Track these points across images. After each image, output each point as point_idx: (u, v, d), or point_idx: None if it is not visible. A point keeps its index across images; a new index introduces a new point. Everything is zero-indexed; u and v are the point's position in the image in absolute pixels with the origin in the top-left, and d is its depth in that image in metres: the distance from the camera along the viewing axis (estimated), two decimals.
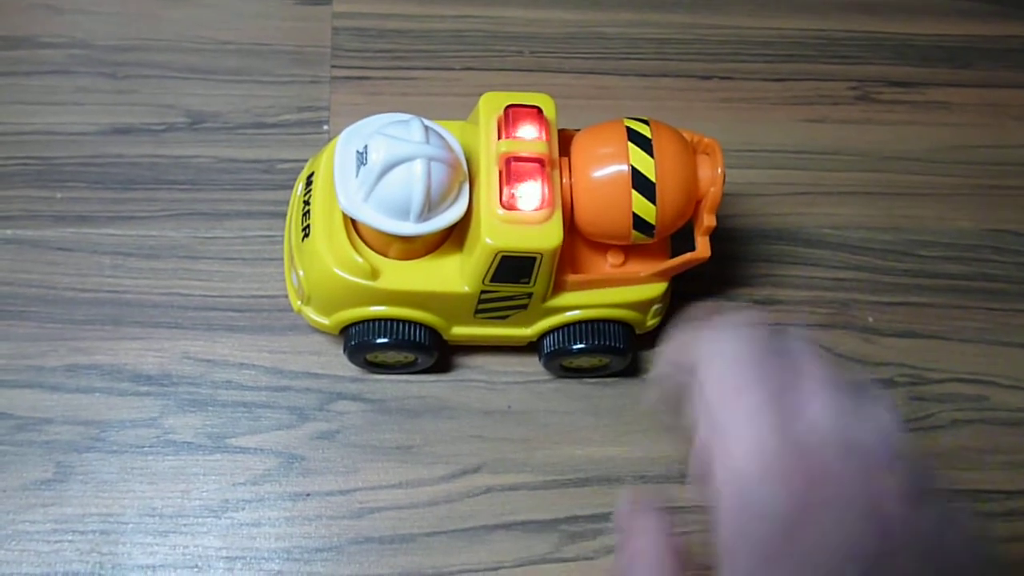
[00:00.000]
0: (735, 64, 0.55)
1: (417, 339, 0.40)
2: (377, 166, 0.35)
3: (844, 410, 0.24)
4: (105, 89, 0.50)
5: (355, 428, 0.43)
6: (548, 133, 0.38)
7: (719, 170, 0.37)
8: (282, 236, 0.45)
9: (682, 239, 0.40)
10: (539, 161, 0.37)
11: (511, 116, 0.38)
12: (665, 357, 0.26)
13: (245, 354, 0.44)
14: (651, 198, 0.37)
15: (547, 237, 0.36)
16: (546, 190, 0.37)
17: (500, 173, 0.37)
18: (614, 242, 0.39)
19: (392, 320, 0.40)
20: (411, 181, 0.35)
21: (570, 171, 0.38)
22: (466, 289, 0.38)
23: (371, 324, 0.40)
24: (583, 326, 0.41)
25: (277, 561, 0.40)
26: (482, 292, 0.38)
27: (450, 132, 0.39)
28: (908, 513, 0.22)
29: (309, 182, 0.41)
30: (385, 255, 0.39)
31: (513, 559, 0.41)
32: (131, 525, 0.40)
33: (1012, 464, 0.45)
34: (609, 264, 0.41)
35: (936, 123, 0.54)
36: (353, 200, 0.36)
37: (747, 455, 0.23)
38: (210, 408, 0.43)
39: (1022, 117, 0.55)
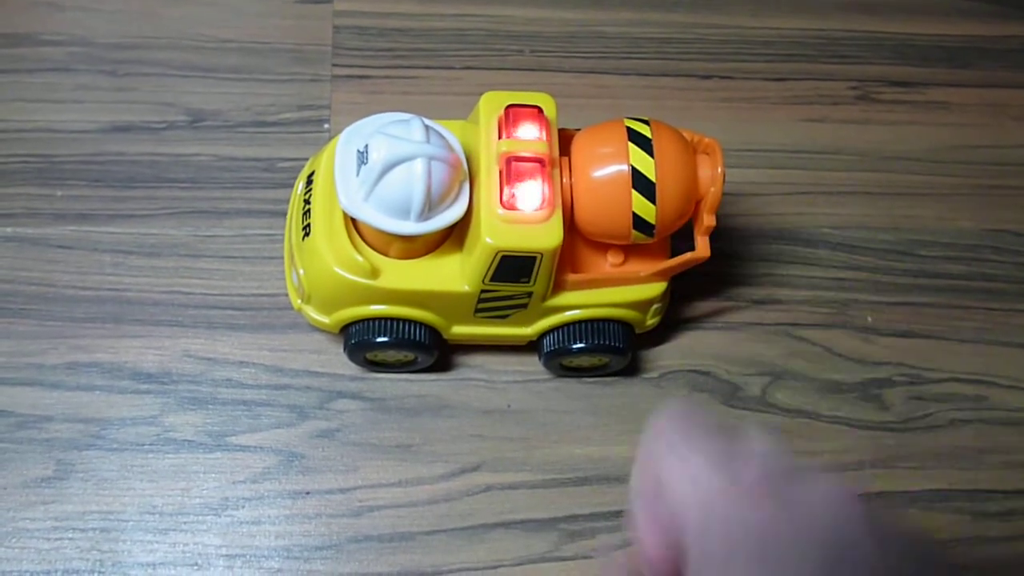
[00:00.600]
0: (735, 64, 0.55)
1: (417, 338, 0.40)
2: (378, 165, 0.36)
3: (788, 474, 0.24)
4: (105, 87, 0.50)
5: (355, 426, 0.43)
6: (548, 133, 0.38)
7: (719, 170, 0.37)
8: (282, 235, 0.45)
9: (682, 239, 0.40)
10: (539, 161, 0.37)
11: (511, 116, 0.38)
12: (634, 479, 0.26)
13: (245, 352, 0.44)
14: (651, 198, 0.37)
15: (547, 237, 0.36)
16: (546, 190, 0.37)
17: (500, 173, 0.37)
18: (614, 242, 0.39)
19: (392, 319, 0.40)
20: (411, 180, 0.35)
21: (570, 171, 0.38)
22: (466, 288, 0.38)
23: (371, 323, 0.40)
24: (583, 325, 0.41)
25: (277, 559, 0.40)
26: (482, 291, 0.39)
27: (450, 131, 0.39)
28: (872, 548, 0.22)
29: (310, 181, 0.41)
30: (385, 254, 0.39)
31: (512, 558, 0.41)
32: (131, 523, 0.40)
33: (1011, 464, 0.45)
34: (609, 264, 0.41)
35: (936, 123, 0.54)
36: (354, 199, 0.37)
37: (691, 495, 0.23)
38: (210, 406, 0.43)
39: (1022, 117, 0.55)
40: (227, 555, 0.40)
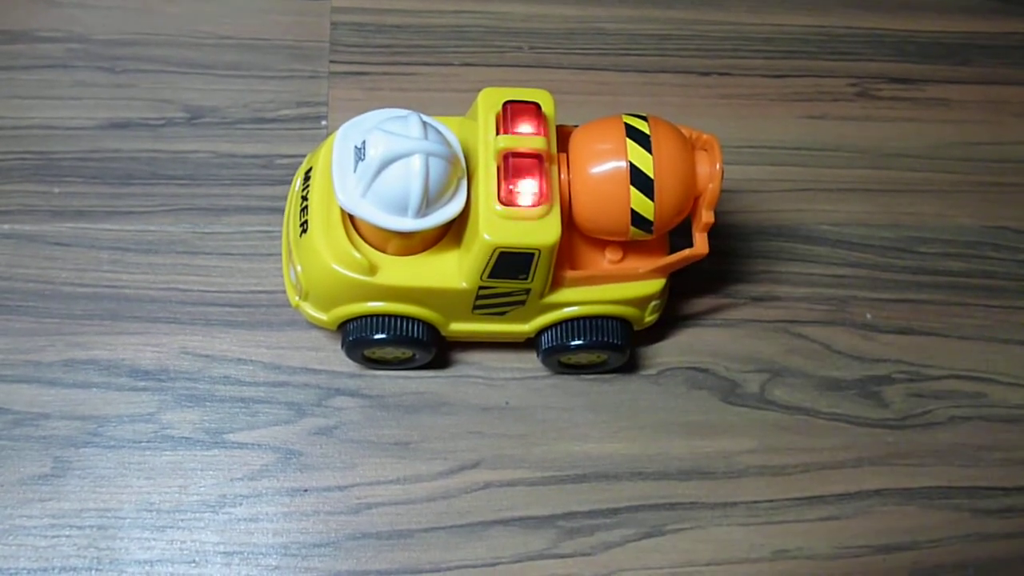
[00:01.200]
0: (735, 60, 0.54)
1: (415, 335, 0.40)
2: (375, 161, 0.35)
3: None
4: (103, 83, 0.50)
5: (353, 424, 0.43)
6: (547, 129, 0.38)
7: (718, 166, 0.37)
8: (280, 231, 0.45)
9: (680, 235, 0.40)
10: (537, 157, 0.37)
11: (510, 112, 0.38)
12: None
13: (243, 349, 0.44)
14: (649, 194, 0.37)
15: (545, 233, 0.36)
16: (544, 186, 0.37)
17: (498, 169, 0.37)
18: (612, 238, 0.39)
19: (390, 316, 0.40)
20: (409, 177, 0.35)
21: (568, 167, 0.38)
22: (464, 285, 0.38)
23: (369, 320, 0.40)
24: (581, 322, 0.41)
25: (275, 556, 0.40)
26: (480, 288, 0.38)
27: (448, 128, 0.38)
28: None
29: (307, 177, 0.41)
30: (383, 251, 0.39)
31: (511, 555, 0.41)
32: (128, 520, 0.40)
33: (1010, 461, 0.45)
34: (607, 260, 0.40)
35: (936, 120, 0.54)
36: (351, 196, 0.36)
37: None
38: (208, 403, 0.43)
39: (1022, 114, 0.55)
40: (225, 552, 0.40)
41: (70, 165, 0.48)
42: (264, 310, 0.45)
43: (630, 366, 0.45)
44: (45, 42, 0.51)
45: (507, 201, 0.36)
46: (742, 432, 0.44)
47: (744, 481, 0.43)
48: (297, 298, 0.42)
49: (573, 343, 0.41)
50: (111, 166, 0.48)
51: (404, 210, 0.36)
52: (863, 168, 0.52)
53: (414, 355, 0.42)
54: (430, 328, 0.41)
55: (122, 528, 0.40)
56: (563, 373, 0.44)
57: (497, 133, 0.38)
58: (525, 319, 0.41)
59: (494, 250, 0.36)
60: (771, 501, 0.43)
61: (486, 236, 0.36)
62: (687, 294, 0.47)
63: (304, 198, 0.40)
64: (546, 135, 0.37)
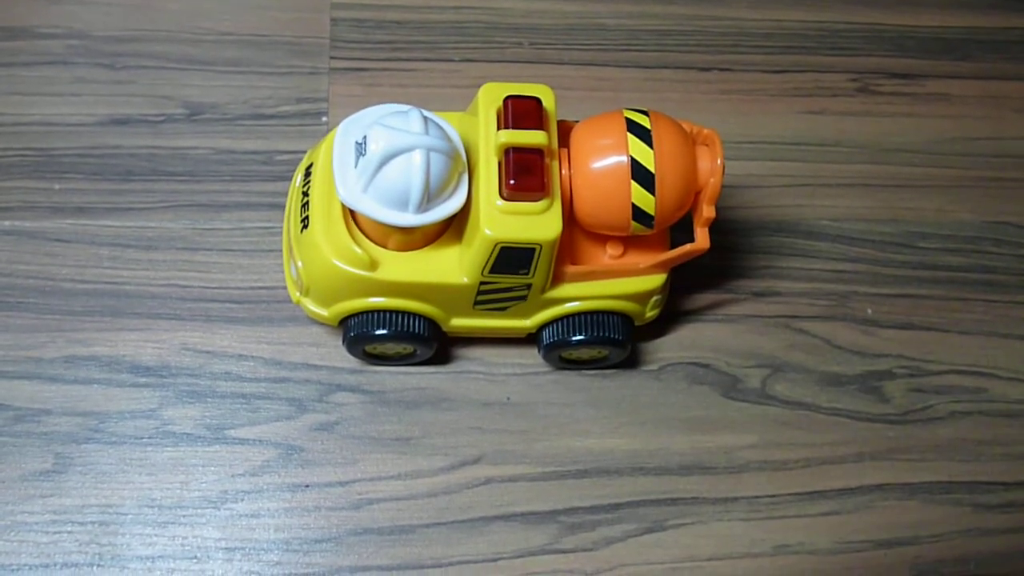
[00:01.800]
0: (735, 56, 0.54)
1: (416, 330, 0.40)
2: (376, 156, 0.35)
3: None
4: (103, 80, 0.50)
5: (354, 419, 0.43)
6: (547, 124, 0.38)
7: (718, 161, 0.37)
8: (281, 227, 0.45)
9: (681, 231, 0.40)
10: (538, 152, 0.37)
11: (510, 107, 0.38)
12: None
13: (244, 345, 0.44)
14: (650, 189, 0.37)
15: (546, 228, 0.36)
16: (545, 181, 0.36)
17: (499, 164, 0.37)
18: (613, 233, 0.39)
19: (391, 311, 0.40)
20: (410, 172, 0.35)
21: (569, 162, 0.38)
22: (465, 280, 0.38)
23: (370, 315, 0.40)
24: (582, 317, 0.41)
25: (276, 552, 0.40)
26: (481, 283, 0.38)
27: (449, 123, 0.38)
28: None
29: (308, 173, 0.40)
30: (384, 246, 0.39)
31: (512, 550, 0.41)
32: (130, 516, 0.40)
33: (1010, 456, 0.45)
34: (608, 255, 0.40)
35: (936, 115, 0.54)
36: (352, 191, 0.36)
37: None
38: (209, 399, 0.43)
39: (1022, 109, 0.55)
40: (226, 548, 0.40)
41: (70, 161, 0.48)
42: (265, 306, 0.45)
43: (631, 362, 0.45)
44: (45, 38, 0.51)
45: (508, 196, 0.36)
46: (743, 427, 0.44)
47: (745, 476, 0.43)
48: (298, 294, 0.42)
49: (574, 338, 0.41)
50: (111, 162, 0.48)
51: (405, 205, 0.36)
52: (863, 163, 0.52)
53: (415, 351, 0.42)
54: (431, 324, 0.41)
55: (124, 524, 0.40)
56: (564, 369, 0.44)
57: (498, 128, 0.38)
58: (526, 314, 0.41)
59: (495, 245, 0.36)
60: (772, 496, 0.43)
61: (487, 231, 0.36)
62: (688, 290, 0.47)
63: (305, 194, 0.40)
64: (547, 130, 0.37)
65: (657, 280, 0.41)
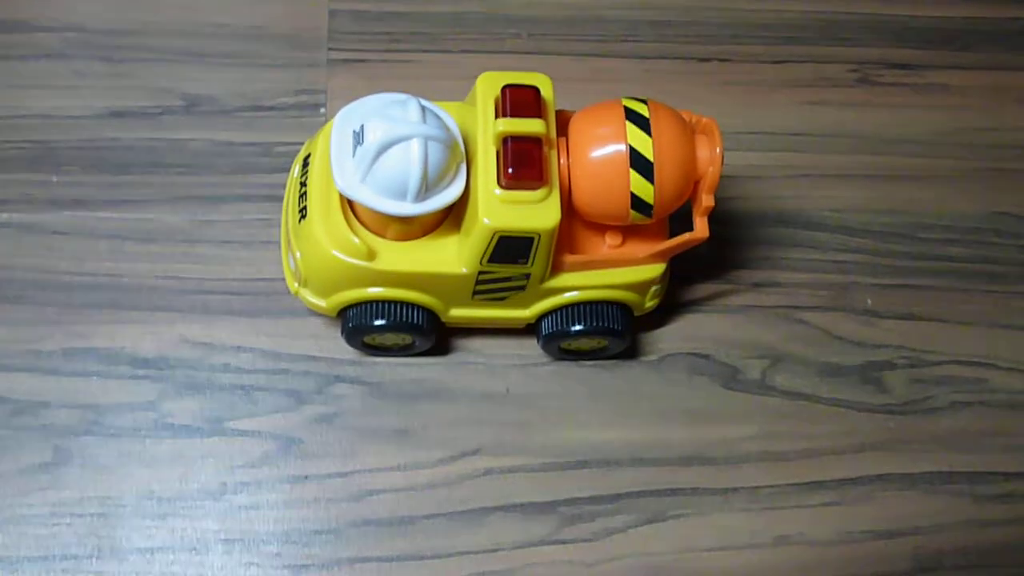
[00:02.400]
0: (734, 46, 0.54)
1: (415, 321, 0.40)
2: (373, 146, 0.35)
3: None
4: (101, 73, 0.50)
5: (353, 411, 0.43)
6: (546, 112, 0.38)
7: (717, 150, 0.37)
8: (279, 219, 0.45)
9: (681, 220, 0.40)
10: (537, 141, 0.37)
11: (509, 96, 0.37)
12: None
13: (243, 337, 0.44)
14: (649, 178, 0.36)
15: (545, 217, 0.36)
16: (544, 170, 0.36)
17: (498, 153, 0.37)
18: (612, 223, 0.39)
19: (390, 302, 0.40)
20: (408, 161, 0.35)
21: (567, 151, 0.38)
22: (464, 270, 0.38)
23: (369, 306, 0.40)
24: (581, 308, 0.41)
25: (275, 543, 0.40)
26: (480, 273, 0.38)
27: (447, 112, 0.38)
28: None
29: (306, 164, 0.40)
30: (382, 236, 0.39)
31: (511, 541, 0.41)
32: (129, 508, 0.40)
33: (1011, 446, 0.45)
34: (607, 245, 0.40)
35: (937, 106, 0.54)
36: (350, 181, 0.36)
37: None
38: (208, 391, 0.43)
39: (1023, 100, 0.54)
40: (226, 540, 0.40)
41: (68, 154, 0.48)
42: (263, 298, 0.45)
43: (631, 352, 0.45)
44: (43, 32, 0.51)
45: (506, 185, 0.36)
46: (743, 418, 0.44)
47: (745, 467, 0.43)
48: (296, 285, 0.41)
49: (574, 328, 0.41)
50: (109, 155, 0.48)
51: (403, 195, 0.36)
52: (864, 154, 0.51)
53: (414, 341, 0.42)
54: (430, 314, 0.41)
55: (123, 516, 0.40)
56: (563, 359, 0.44)
57: (496, 117, 0.38)
58: (525, 304, 0.41)
59: (493, 234, 0.36)
60: (772, 487, 0.43)
61: (486, 220, 0.36)
62: (688, 280, 0.47)
63: (303, 184, 0.40)
64: (545, 119, 0.37)
65: (656, 270, 0.40)
